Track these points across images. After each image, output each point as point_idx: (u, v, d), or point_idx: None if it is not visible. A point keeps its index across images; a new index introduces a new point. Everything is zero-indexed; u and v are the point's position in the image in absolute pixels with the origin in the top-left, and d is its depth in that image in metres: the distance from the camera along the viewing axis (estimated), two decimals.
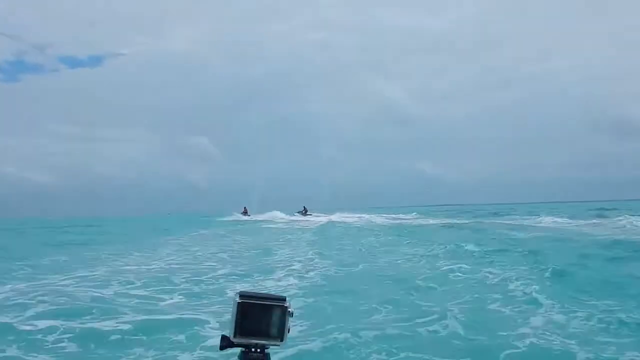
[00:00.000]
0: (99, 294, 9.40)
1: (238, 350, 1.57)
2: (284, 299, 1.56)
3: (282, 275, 12.01)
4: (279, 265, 13.83)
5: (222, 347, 1.57)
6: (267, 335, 1.54)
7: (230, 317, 1.53)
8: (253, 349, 1.55)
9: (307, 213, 53.04)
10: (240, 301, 1.52)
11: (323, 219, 46.23)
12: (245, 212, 55.54)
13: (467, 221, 37.58)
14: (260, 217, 50.65)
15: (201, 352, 5.84)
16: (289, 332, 1.56)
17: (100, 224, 50.63)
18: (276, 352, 1.62)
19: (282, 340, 1.55)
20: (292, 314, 1.57)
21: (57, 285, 10.47)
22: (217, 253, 17.91)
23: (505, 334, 6.40)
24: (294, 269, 12.99)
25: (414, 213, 55.13)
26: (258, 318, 1.53)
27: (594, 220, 32.46)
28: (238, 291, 1.56)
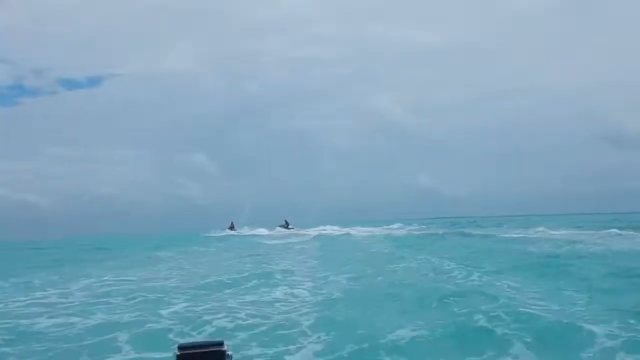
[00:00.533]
0: None
1: None
2: (221, 344, 1.67)
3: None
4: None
5: None
6: None
7: None
8: None
9: (289, 227, 54.43)
10: (179, 353, 1.60)
11: (312, 232, 47.50)
12: (232, 227, 57.05)
13: (447, 231, 40.29)
14: (246, 232, 52.35)
15: None
16: None
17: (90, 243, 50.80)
18: None
19: None
20: (231, 356, 1.67)
21: None
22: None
23: None
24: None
25: (398, 224, 57.40)
26: None
27: None
28: (177, 344, 1.65)
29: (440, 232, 38.49)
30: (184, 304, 10.22)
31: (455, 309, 8.59)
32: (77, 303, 10.92)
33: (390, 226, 54.14)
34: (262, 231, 51.92)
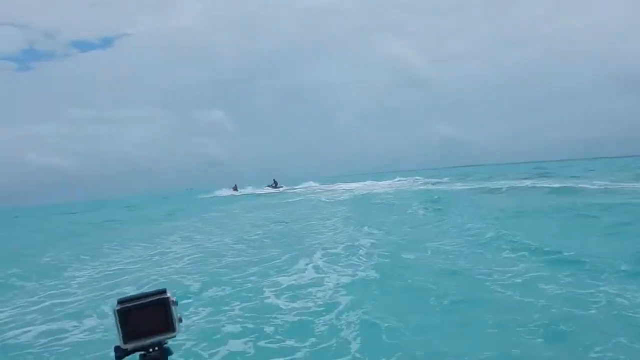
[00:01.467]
0: None
1: (137, 355, 1.55)
2: (164, 291, 1.56)
3: None
4: None
5: (117, 358, 1.54)
6: (157, 332, 1.53)
7: (115, 327, 1.51)
8: (150, 350, 1.54)
9: (278, 186, 57.84)
10: (118, 308, 1.51)
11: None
12: (235, 189, 61.42)
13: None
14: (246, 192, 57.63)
15: None
16: (180, 321, 1.56)
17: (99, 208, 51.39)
18: (177, 341, 1.60)
19: (174, 331, 1.55)
20: (176, 302, 1.56)
21: None
22: None
23: None
24: None
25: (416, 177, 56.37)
26: (142, 319, 1.52)
27: None
28: (117, 299, 1.55)
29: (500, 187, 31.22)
30: None
31: None
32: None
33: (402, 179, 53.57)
34: (268, 189, 56.23)
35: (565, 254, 9.53)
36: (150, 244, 16.60)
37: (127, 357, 1.54)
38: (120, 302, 1.53)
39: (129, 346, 1.52)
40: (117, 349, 1.53)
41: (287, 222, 20.48)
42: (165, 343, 1.56)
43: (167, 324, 1.53)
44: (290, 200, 37.83)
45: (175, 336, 1.55)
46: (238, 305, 7.64)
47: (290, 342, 5.98)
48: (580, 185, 26.73)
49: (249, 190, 59.14)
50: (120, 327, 1.51)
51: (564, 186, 26.72)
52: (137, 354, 1.54)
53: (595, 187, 25.67)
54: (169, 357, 1.57)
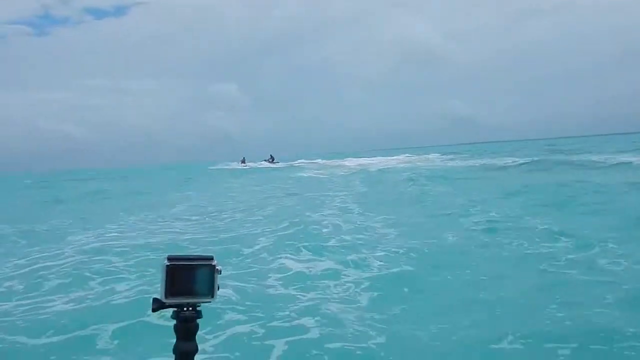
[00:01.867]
0: None
1: (171, 310, 1.64)
2: (211, 258, 1.66)
3: None
4: None
5: (154, 309, 1.63)
6: (197, 293, 1.63)
7: (160, 280, 1.61)
8: (185, 308, 1.63)
9: (275, 161, 60.72)
10: (168, 264, 1.60)
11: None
12: (243, 162, 63.25)
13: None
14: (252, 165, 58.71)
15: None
16: (218, 289, 1.66)
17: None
18: (210, 307, 1.70)
19: (212, 297, 1.65)
20: (220, 271, 1.66)
21: None
22: None
23: None
24: None
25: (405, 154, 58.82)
26: (187, 278, 1.62)
27: None
28: (166, 255, 1.64)
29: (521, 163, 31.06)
30: None
31: None
32: None
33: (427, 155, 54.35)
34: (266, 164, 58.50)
35: None
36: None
37: (161, 310, 1.64)
38: (169, 259, 1.62)
39: (168, 301, 1.61)
40: (155, 300, 1.62)
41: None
42: (199, 305, 1.66)
43: (208, 289, 1.64)
44: (301, 174, 38.06)
45: (211, 302, 1.66)
46: None
47: None
48: None
49: (250, 164, 60.83)
50: (165, 281, 1.60)
51: None
52: (172, 309, 1.64)
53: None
54: (197, 320, 1.66)
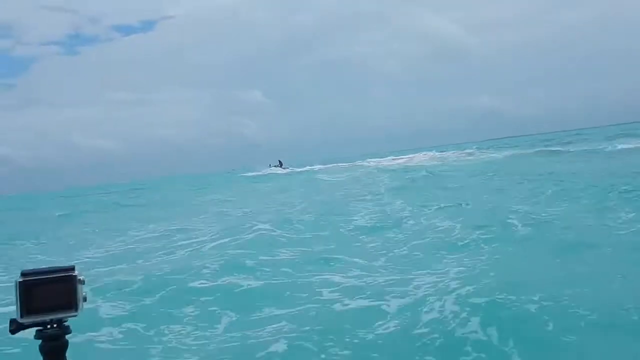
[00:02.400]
0: None
1: (34, 330, 1.50)
2: (72, 269, 1.51)
3: None
4: None
5: (12, 331, 1.49)
6: (60, 308, 1.49)
7: (15, 299, 1.47)
8: (48, 326, 1.49)
9: (283, 167, 59.48)
10: (21, 280, 1.46)
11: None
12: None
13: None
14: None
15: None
16: (85, 300, 1.52)
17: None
18: (76, 321, 1.54)
19: (77, 310, 1.51)
20: (84, 281, 1.52)
21: None
22: None
23: None
24: None
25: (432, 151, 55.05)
26: (44, 294, 1.47)
27: None
28: (21, 271, 1.49)
29: None
30: None
31: None
32: None
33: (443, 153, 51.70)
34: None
35: None
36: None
37: (20, 331, 1.49)
38: (24, 274, 1.48)
39: (26, 320, 1.47)
40: (12, 322, 1.48)
41: None
42: (65, 321, 1.52)
43: (70, 302, 1.50)
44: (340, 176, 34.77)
45: (77, 315, 1.51)
46: None
47: None
48: None
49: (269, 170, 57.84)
50: (21, 300, 1.46)
51: None
52: (34, 329, 1.49)
53: None
54: (66, 336, 1.52)
